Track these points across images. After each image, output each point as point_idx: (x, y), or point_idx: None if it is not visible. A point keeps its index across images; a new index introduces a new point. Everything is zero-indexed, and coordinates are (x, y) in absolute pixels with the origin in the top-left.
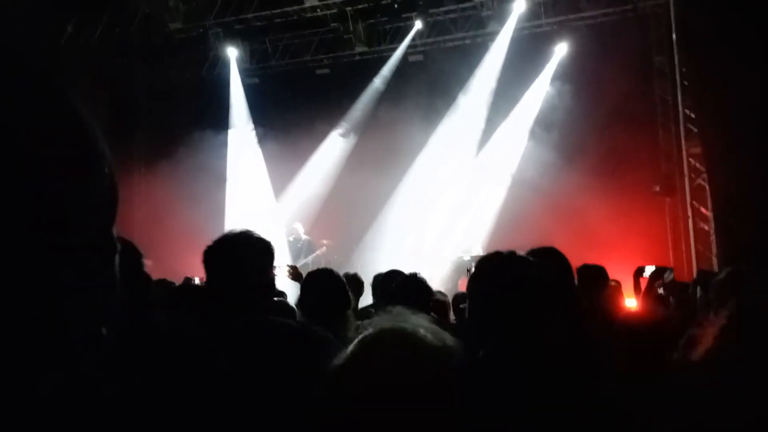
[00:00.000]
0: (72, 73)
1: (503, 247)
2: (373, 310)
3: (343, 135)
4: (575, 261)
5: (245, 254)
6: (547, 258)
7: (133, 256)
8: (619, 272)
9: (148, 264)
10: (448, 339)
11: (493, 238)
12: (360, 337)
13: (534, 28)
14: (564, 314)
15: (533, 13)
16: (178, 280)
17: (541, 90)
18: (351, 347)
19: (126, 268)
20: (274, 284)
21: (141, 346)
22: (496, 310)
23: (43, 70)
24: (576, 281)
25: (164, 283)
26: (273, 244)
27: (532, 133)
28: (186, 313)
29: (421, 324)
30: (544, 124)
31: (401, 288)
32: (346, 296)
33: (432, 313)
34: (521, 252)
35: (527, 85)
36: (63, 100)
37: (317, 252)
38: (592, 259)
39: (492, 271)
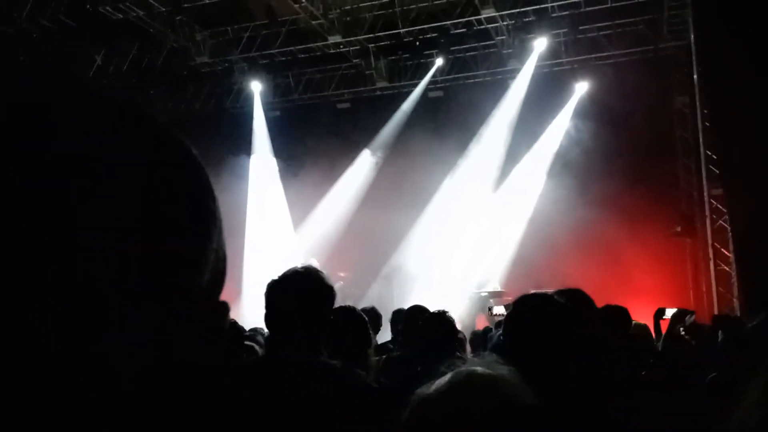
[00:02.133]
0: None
1: (521, 284)
2: (391, 346)
3: (373, 155)
4: (595, 300)
5: (312, 292)
6: (576, 300)
7: None
8: (639, 313)
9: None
10: (531, 395)
11: (510, 275)
12: (452, 374)
13: (554, 67)
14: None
15: (554, 52)
16: None
17: (560, 128)
18: (442, 381)
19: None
20: (327, 324)
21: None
22: (536, 349)
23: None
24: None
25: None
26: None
27: (552, 171)
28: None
29: (509, 376)
30: (563, 162)
31: (428, 325)
32: (367, 334)
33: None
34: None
35: (547, 122)
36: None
37: (337, 284)
38: (611, 300)
39: (534, 311)
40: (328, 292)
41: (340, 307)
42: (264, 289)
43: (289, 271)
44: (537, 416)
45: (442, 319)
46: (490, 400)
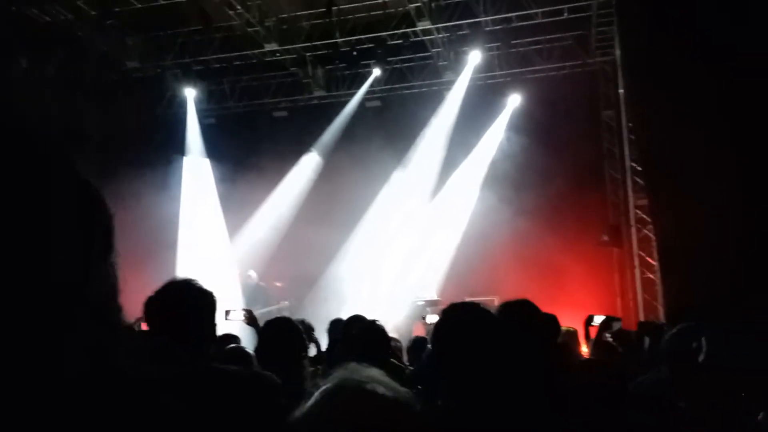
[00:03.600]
0: (24, 108)
1: (457, 292)
2: (326, 356)
3: (313, 159)
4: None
5: (187, 305)
6: (521, 310)
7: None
8: (569, 320)
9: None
10: (401, 391)
11: (446, 283)
12: (319, 391)
13: (488, 79)
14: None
15: (488, 65)
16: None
17: (494, 139)
18: (311, 400)
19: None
20: (215, 335)
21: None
22: (460, 360)
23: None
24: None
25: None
26: (215, 293)
27: (485, 182)
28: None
29: (375, 377)
30: (497, 172)
31: (361, 335)
32: (302, 344)
33: (392, 359)
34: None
35: (481, 134)
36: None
37: (278, 305)
38: (542, 307)
39: (458, 322)
40: (208, 300)
41: (276, 318)
42: (143, 305)
43: (165, 283)
44: (410, 411)
45: (374, 328)
46: (356, 404)
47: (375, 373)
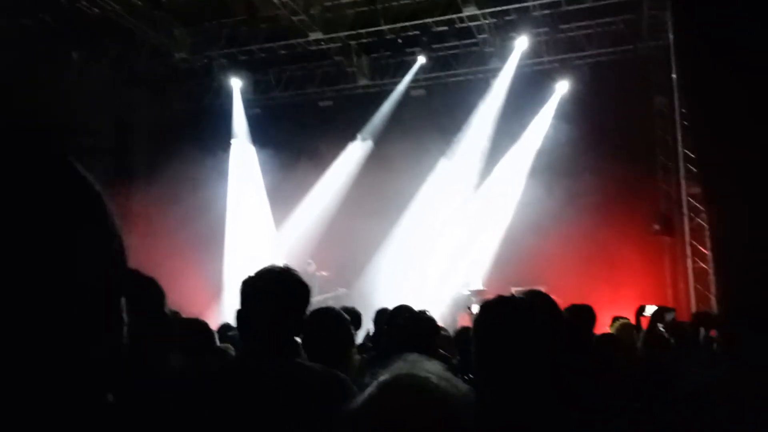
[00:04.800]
0: (79, 101)
1: (502, 282)
2: (370, 344)
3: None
4: (573, 299)
5: (288, 292)
6: (537, 299)
7: (155, 294)
8: (620, 311)
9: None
10: (461, 386)
11: (492, 273)
12: (377, 382)
13: (535, 66)
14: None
15: (535, 51)
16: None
17: (541, 127)
18: (368, 391)
19: (146, 307)
20: (301, 325)
21: (149, 388)
22: (502, 354)
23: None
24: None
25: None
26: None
27: (533, 170)
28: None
29: (435, 371)
30: (544, 161)
31: (408, 325)
32: (349, 335)
33: (440, 350)
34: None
35: (528, 122)
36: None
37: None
38: (592, 298)
39: (496, 315)
40: (305, 292)
41: (322, 308)
42: (240, 286)
43: (265, 269)
44: (468, 407)
45: (423, 318)
46: (417, 399)
47: (436, 367)
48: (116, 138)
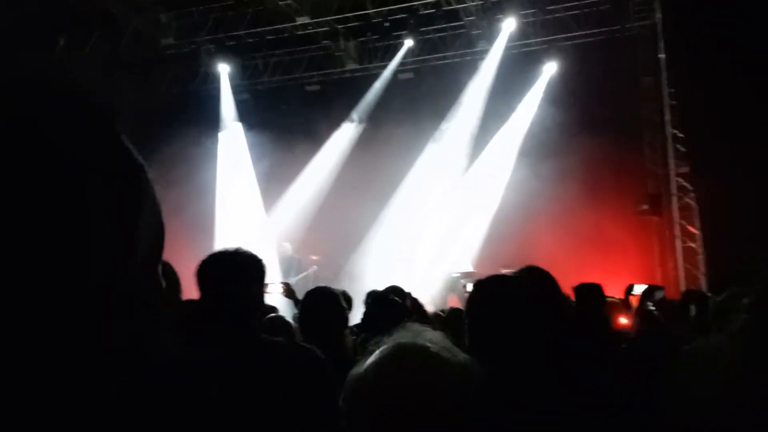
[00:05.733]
0: (63, 88)
1: (492, 264)
2: (355, 329)
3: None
4: (564, 279)
5: (239, 271)
6: (531, 275)
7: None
8: (609, 290)
9: None
10: (461, 355)
11: (482, 255)
12: (380, 350)
13: (523, 47)
14: (557, 329)
15: (522, 33)
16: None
17: (529, 109)
18: (371, 359)
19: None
20: (263, 301)
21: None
22: (495, 330)
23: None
24: (574, 299)
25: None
26: (264, 261)
27: (521, 151)
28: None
29: (437, 340)
30: (532, 142)
31: (374, 304)
32: (344, 315)
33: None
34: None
35: (516, 103)
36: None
37: (308, 271)
38: (581, 277)
39: (490, 293)
40: (257, 269)
41: (317, 288)
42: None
43: (215, 252)
44: (471, 376)
45: (382, 297)
46: (420, 366)
47: (437, 336)
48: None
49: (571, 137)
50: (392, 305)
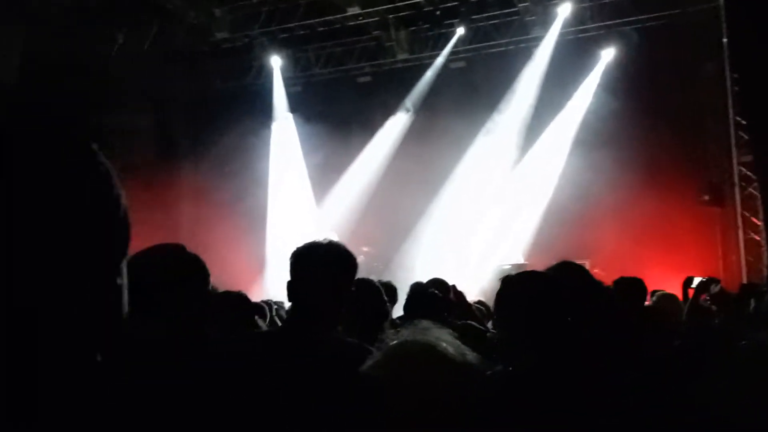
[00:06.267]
0: (122, 82)
1: (546, 256)
2: (398, 321)
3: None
4: (621, 272)
5: (338, 267)
6: (564, 271)
7: (197, 273)
8: (667, 283)
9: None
10: (469, 354)
11: (534, 246)
12: (386, 347)
13: (579, 33)
14: (590, 325)
15: (579, 18)
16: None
17: (585, 97)
18: (376, 356)
19: (189, 285)
20: (347, 298)
21: (189, 360)
22: (519, 327)
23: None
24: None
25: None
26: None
27: (577, 141)
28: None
29: (443, 338)
30: (589, 131)
31: (411, 297)
32: (383, 308)
33: (471, 322)
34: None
35: (572, 91)
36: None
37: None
38: (640, 270)
39: (516, 290)
40: (353, 265)
41: (358, 280)
42: (289, 258)
43: (314, 242)
44: (476, 374)
45: (424, 292)
46: (423, 364)
47: (445, 334)
48: (158, 117)
49: (628, 126)
50: (430, 298)
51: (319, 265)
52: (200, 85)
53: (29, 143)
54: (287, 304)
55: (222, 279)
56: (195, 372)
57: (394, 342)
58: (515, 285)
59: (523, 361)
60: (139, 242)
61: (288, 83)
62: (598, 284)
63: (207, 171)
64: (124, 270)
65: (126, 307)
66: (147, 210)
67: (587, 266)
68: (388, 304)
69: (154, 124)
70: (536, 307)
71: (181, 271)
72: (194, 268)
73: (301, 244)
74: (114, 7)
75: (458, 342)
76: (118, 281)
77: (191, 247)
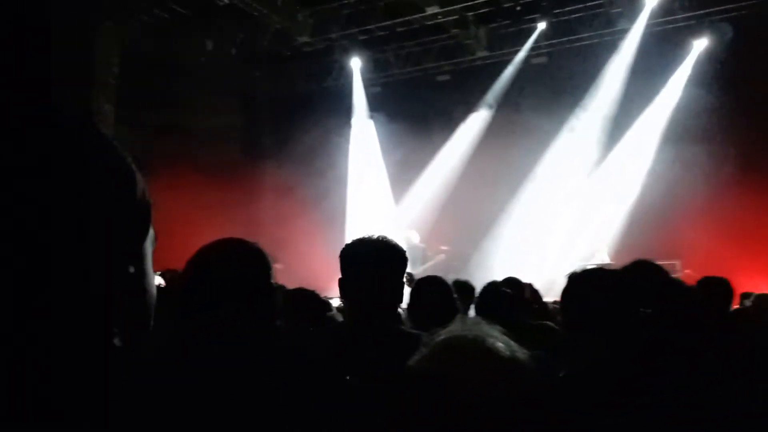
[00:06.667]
0: (211, 85)
1: (631, 255)
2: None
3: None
4: (714, 274)
5: (382, 258)
6: (639, 270)
7: (259, 263)
8: (760, 284)
9: (278, 268)
10: (519, 351)
11: (621, 246)
12: (434, 342)
13: (668, 24)
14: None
15: (667, 9)
16: (301, 284)
17: (674, 91)
18: (425, 351)
19: (252, 275)
20: (402, 292)
21: (262, 353)
22: (582, 324)
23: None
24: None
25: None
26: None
27: (666, 137)
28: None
29: (491, 334)
30: (677, 127)
31: (482, 296)
32: (452, 305)
33: (547, 322)
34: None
35: (660, 85)
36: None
37: (435, 260)
38: (730, 271)
39: (579, 287)
40: (401, 259)
41: (427, 277)
42: (339, 256)
43: (361, 237)
44: (524, 371)
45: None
46: (470, 360)
47: (494, 330)
48: (244, 119)
49: (721, 120)
50: (503, 297)
51: (366, 261)
52: (283, 86)
53: (61, 139)
54: None
55: (301, 275)
56: (261, 366)
57: (439, 338)
58: (580, 282)
59: (588, 359)
60: (221, 234)
61: (367, 84)
62: (675, 283)
63: (290, 169)
64: (145, 258)
65: (151, 294)
66: (233, 207)
67: (678, 267)
68: (458, 301)
69: (241, 125)
70: (600, 304)
71: (241, 264)
72: (254, 262)
73: (350, 241)
74: (203, 15)
75: (507, 338)
76: (131, 269)
77: (270, 243)
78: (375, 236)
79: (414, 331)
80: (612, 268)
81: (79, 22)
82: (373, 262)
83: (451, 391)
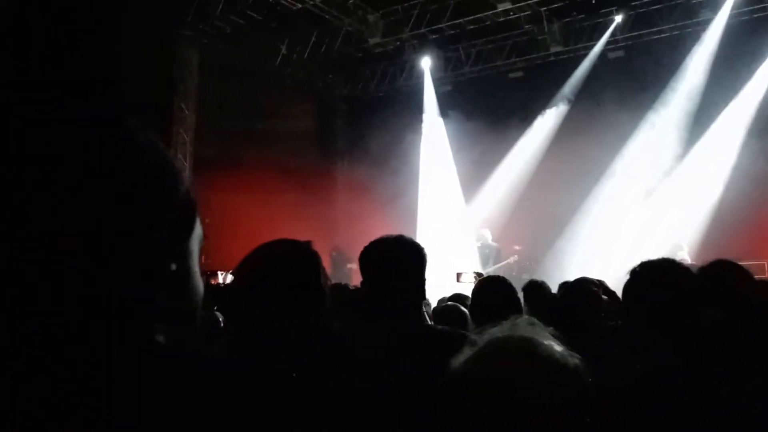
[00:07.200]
0: (286, 89)
1: (715, 255)
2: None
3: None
4: None
5: (397, 258)
6: (717, 269)
7: (309, 261)
8: None
9: (352, 268)
10: (571, 358)
11: (703, 245)
12: (485, 340)
13: (755, 13)
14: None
15: None
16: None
17: (761, 83)
18: (476, 349)
19: (302, 273)
20: (424, 289)
21: (315, 350)
22: (654, 319)
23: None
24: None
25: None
26: (425, 249)
27: (752, 130)
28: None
29: (540, 335)
30: (764, 121)
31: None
32: (515, 304)
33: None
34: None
35: (746, 77)
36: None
37: (509, 260)
38: None
39: (642, 278)
40: (417, 256)
41: (490, 277)
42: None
43: (377, 239)
44: (572, 377)
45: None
46: (521, 362)
47: (543, 332)
48: (319, 121)
49: None
50: (581, 297)
51: (379, 261)
52: (356, 88)
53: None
54: (433, 302)
55: None
56: (300, 369)
57: (495, 335)
58: (643, 273)
59: (652, 364)
60: (297, 234)
61: (438, 83)
62: (755, 283)
63: (363, 169)
64: (189, 256)
65: (196, 291)
66: (310, 206)
67: (765, 268)
68: (525, 301)
69: (316, 127)
70: (661, 297)
71: (291, 266)
72: (304, 263)
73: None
74: (277, 20)
75: (557, 342)
76: (173, 267)
77: (345, 242)
78: (390, 237)
79: (439, 327)
80: (665, 263)
81: (157, 30)
82: (385, 261)
83: (497, 394)
